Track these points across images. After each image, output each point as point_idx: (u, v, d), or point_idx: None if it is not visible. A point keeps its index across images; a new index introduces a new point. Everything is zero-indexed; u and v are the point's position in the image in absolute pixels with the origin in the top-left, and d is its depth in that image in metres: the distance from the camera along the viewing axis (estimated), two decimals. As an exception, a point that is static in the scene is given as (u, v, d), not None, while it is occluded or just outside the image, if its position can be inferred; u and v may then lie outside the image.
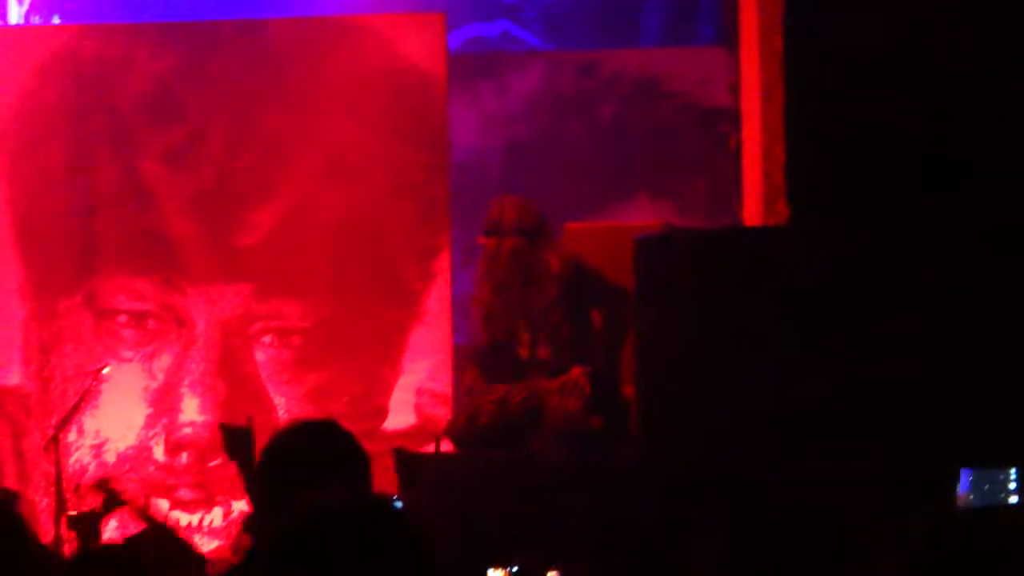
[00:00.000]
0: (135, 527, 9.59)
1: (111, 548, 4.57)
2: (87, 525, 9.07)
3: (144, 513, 9.24)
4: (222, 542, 10.43)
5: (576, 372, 8.19)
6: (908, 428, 6.82)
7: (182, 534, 9.74)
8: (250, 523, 8.47)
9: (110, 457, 10.71)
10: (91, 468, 10.68)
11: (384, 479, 8.15)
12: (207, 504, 10.56)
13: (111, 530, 10.28)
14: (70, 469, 10.47)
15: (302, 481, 4.33)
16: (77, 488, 9.50)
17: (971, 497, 6.57)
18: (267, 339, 10.72)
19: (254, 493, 6.15)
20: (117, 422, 10.72)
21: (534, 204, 8.60)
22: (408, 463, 8.47)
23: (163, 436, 10.70)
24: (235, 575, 4.55)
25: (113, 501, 8.76)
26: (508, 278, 8.26)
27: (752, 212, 8.18)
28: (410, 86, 10.65)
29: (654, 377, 7.61)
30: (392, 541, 2.88)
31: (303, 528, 2.89)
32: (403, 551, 2.88)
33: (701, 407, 7.30)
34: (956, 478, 6.53)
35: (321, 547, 2.85)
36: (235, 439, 6.47)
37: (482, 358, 8.49)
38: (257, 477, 4.54)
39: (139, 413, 10.73)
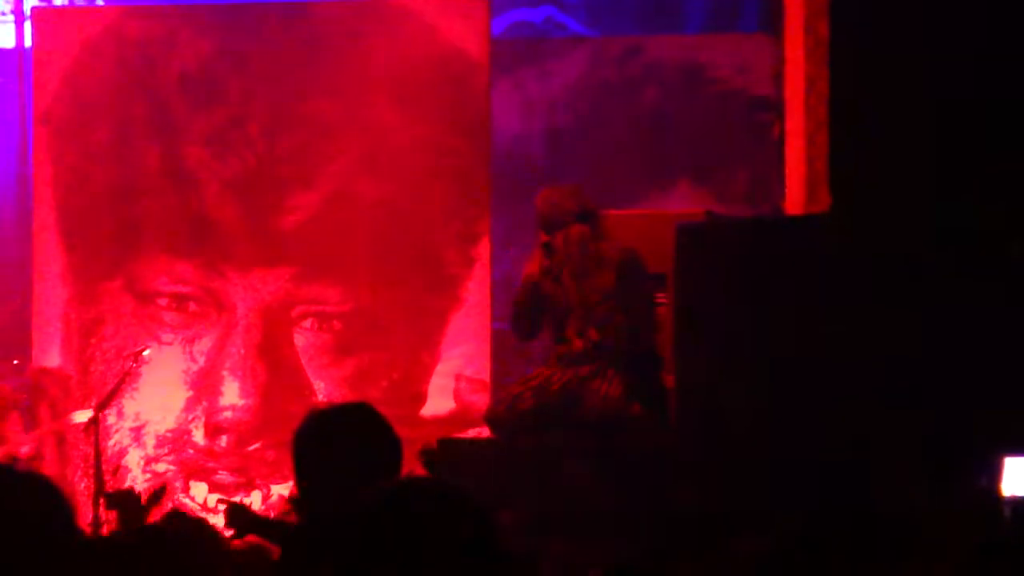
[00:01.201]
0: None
1: (152, 527, 4.58)
2: (126, 504, 9.08)
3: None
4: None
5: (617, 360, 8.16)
6: (953, 416, 6.78)
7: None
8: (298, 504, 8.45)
9: (149, 440, 10.75)
10: (130, 450, 10.72)
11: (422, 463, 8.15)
12: (246, 488, 10.58)
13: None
14: (109, 451, 10.51)
15: (335, 462, 4.36)
16: (117, 470, 9.53)
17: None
18: (307, 323, 10.73)
19: (280, 533, 6.11)
20: (157, 405, 10.75)
21: (582, 187, 8.57)
22: (450, 450, 8.46)
23: (203, 419, 10.72)
24: (290, 558, 4.57)
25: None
26: (580, 264, 8.23)
27: (794, 200, 8.15)
28: (453, 71, 10.62)
29: (693, 365, 7.59)
30: (463, 524, 2.91)
31: (378, 511, 2.92)
32: (473, 535, 2.91)
33: (740, 395, 7.28)
34: (999, 467, 6.48)
35: (395, 530, 2.88)
36: (236, 519, 6.45)
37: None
38: (293, 460, 4.56)
39: (179, 396, 10.75)
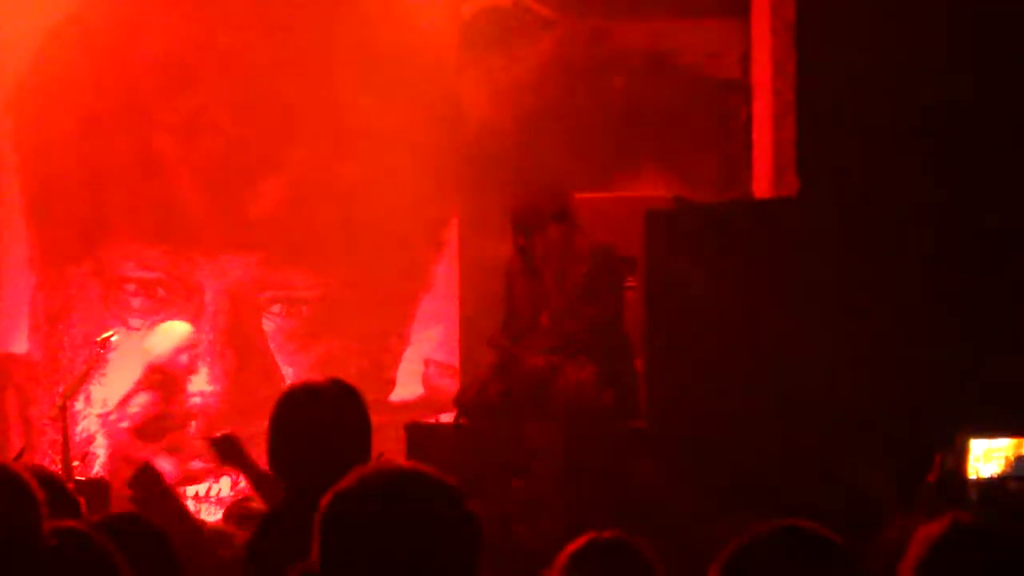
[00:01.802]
0: None
1: (123, 515, 4.58)
2: (94, 491, 9.06)
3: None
4: (228, 512, 10.44)
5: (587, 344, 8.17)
6: (920, 402, 6.80)
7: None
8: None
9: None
10: (98, 437, 10.69)
11: (392, 451, 8.14)
12: (215, 474, 10.55)
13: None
14: (77, 438, 10.47)
15: (312, 438, 4.38)
16: (85, 457, 9.49)
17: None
18: (276, 308, 10.72)
19: (258, 477, 6.14)
20: (124, 391, 10.71)
21: (559, 185, 8.54)
22: (419, 436, 8.46)
23: (172, 406, 10.70)
24: (262, 539, 4.58)
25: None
26: (558, 265, 8.22)
27: (762, 185, 8.16)
28: (422, 55, 10.62)
29: (662, 349, 7.60)
30: (445, 511, 2.93)
31: (357, 495, 2.94)
32: (456, 521, 2.93)
33: (708, 380, 7.29)
34: (965, 449, 6.50)
35: (377, 515, 2.90)
36: (224, 448, 6.56)
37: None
38: (269, 435, 4.58)
39: (148, 382, 10.73)
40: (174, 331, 9.73)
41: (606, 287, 8.24)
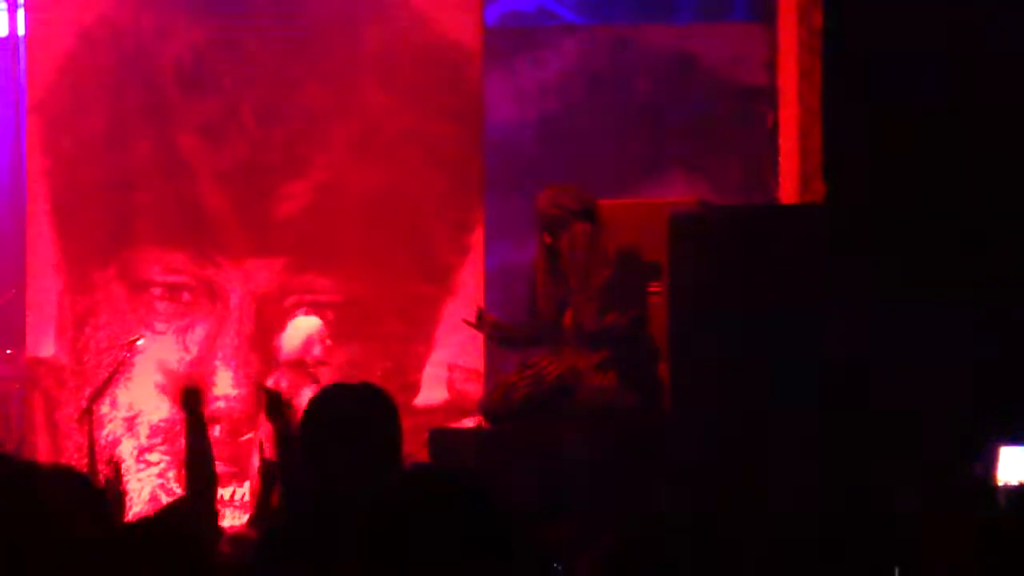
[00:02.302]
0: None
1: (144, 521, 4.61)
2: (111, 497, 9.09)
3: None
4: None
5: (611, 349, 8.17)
6: (950, 408, 6.79)
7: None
8: (268, 472, 8.45)
9: (143, 429, 10.73)
10: (124, 440, 10.71)
11: (416, 454, 8.15)
12: (239, 478, 10.55)
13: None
14: (103, 441, 10.48)
15: (342, 440, 4.39)
16: (109, 460, 9.52)
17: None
18: (300, 312, 10.71)
19: (287, 456, 6.18)
20: (150, 395, 10.73)
21: (584, 187, 8.56)
22: (443, 441, 8.47)
23: (196, 409, 10.69)
24: (271, 541, 4.59)
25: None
26: (584, 264, 8.23)
27: (788, 190, 8.16)
28: (446, 60, 10.62)
29: (686, 355, 7.60)
30: (478, 513, 2.95)
31: (398, 496, 2.96)
32: (489, 523, 2.95)
33: (733, 386, 7.28)
34: (995, 456, 6.49)
35: (414, 515, 2.92)
36: (275, 403, 6.63)
37: (525, 336, 8.48)
38: (300, 436, 4.60)
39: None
40: (305, 324, 9.78)
41: (631, 291, 8.25)
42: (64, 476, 3.40)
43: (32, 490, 3.30)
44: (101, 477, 9.53)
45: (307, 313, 10.56)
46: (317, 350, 9.56)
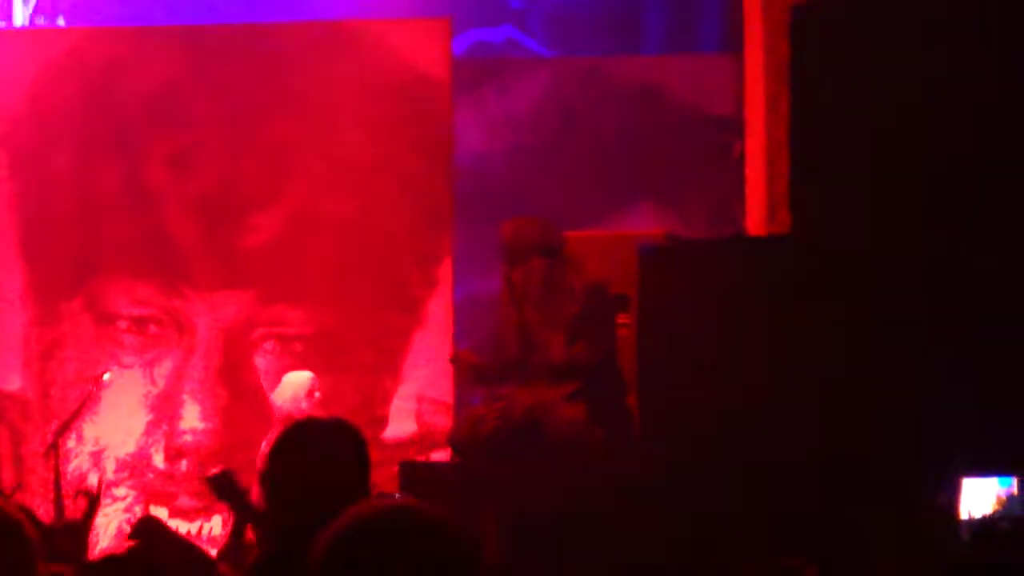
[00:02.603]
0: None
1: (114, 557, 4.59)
2: (71, 535, 9.01)
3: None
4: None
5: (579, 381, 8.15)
6: (913, 441, 6.78)
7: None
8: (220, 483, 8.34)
9: (109, 464, 10.67)
10: (89, 475, 10.65)
11: (385, 488, 8.12)
12: (206, 512, 10.50)
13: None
14: (69, 476, 10.42)
15: (310, 478, 4.37)
16: (76, 495, 9.44)
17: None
18: (268, 345, 10.68)
19: (253, 516, 6.12)
20: (117, 429, 10.67)
21: (550, 221, 8.55)
22: (412, 474, 8.44)
23: (163, 443, 10.65)
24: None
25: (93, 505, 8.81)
26: (539, 299, 8.21)
27: (755, 221, 8.16)
28: (415, 91, 10.62)
29: (655, 386, 7.59)
30: (442, 551, 2.92)
31: (355, 535, 2.93)
32: (453, 560, 2.92)
33: (702, 416, 7.27)
34: (958, 488, 6.48)
35: (374, 555, 2.89)
36: (220, 485, 6.56)
37: (496, 375, 8.45)
38: (266, 475, 4.57)
39: (139, 420, 10.68)
40: (293, 379, 9.72)
41: (599, 324, 8.24)
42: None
43: None
44: (67, 511, 9.48)
45: (273, 347, 10.54)
46: (305, 404, 9.51)
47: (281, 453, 4.49)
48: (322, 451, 4.41)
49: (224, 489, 6.51)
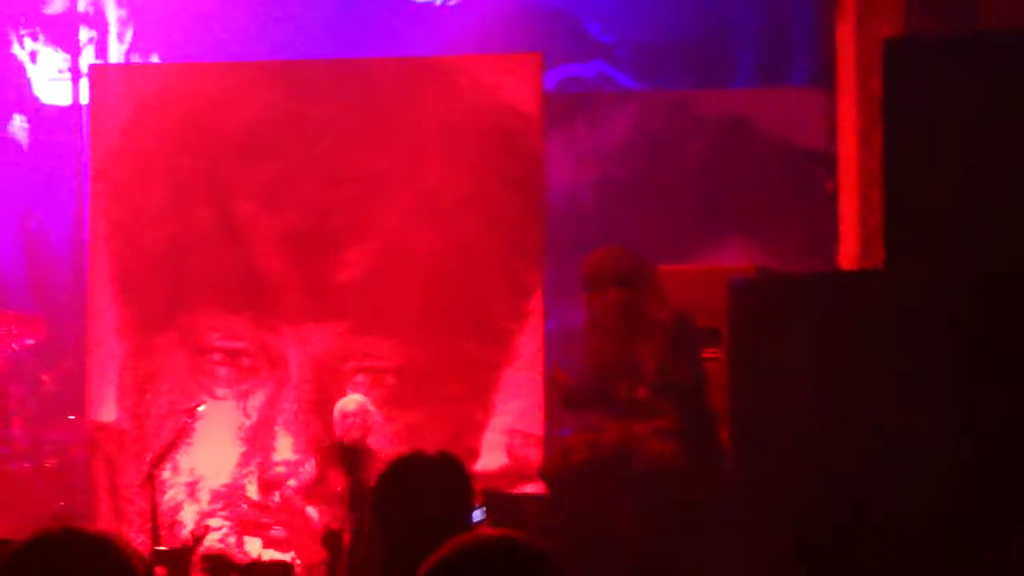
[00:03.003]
0: None
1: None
2: (177, 560, 9.12)
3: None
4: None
5: (672, 415, 8.15)
6: (1008, 477, 6.72)
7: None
8: (330, 540, 8.46)
9: (204, 495, 10.76)
10: (185, 506, 10.74)
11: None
12: (296, 545, 10.57)
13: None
14: (164, 506, 10.52)
15: (412, 509, 4.42)
16: (195, 536, 9.54)
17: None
18: (359, 378, 10.73)
19: (361, 511, 6.21)
20: (211, 460, 10.77)
21: (632, 251, 8.55)
22: (499, 504, 8.46)
23: (256, 474, 10.73)
24: None
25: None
26: (616, 329, 8.22)
27: (848, 256, 8.14)
28: (506, 126, 10.66)
29: (748, 421, 7.57)
30: None
31: (456, 565, 2.97)
32: None
33: (796, 452, 7.24)
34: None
35: None
36: (350, 456, 6.68)
37: (582, 400, 8.47)
38: (374, 502, 4.62)
39: (233, 451, 10.77)
40: (341, 404, 9.90)
41: (686, 356, 8.23)
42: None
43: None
44: (163, 541, 9.56)
45: (364, 379, 10.60)
46: (350, 422, 9.62)
47: (390, 482, 4.54)
48: (430, 482, 4.46)
49: (347, 458, 6.59)
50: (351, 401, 9.89)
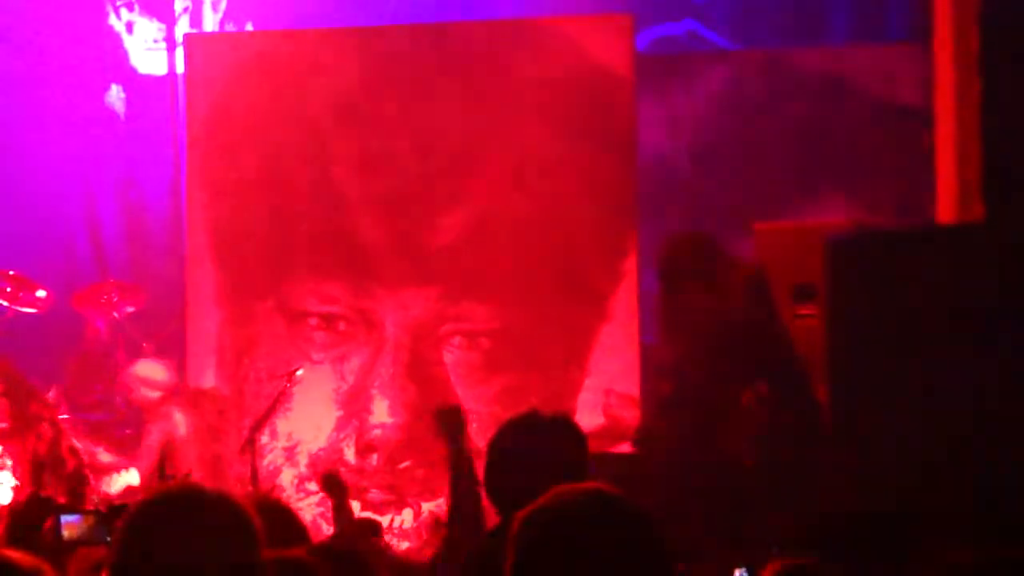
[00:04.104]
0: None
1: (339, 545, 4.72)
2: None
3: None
4: (412, 543, 10.51)
5: (762, 390, 8.11)
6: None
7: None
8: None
9: (302, 459, 10.85)
10: (284, 470, 10.83)
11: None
12: (397, 506, 10.64)
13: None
14: (263, 471, 10.61)
15: (530, 470, 4.43)
16: (272, 489, 9.64)
17: None
18: (456, 341, 10.77)
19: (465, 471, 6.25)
20: (309, 424, 10.85)
21: (706, 238, 8.46)
22: (596, 464, 8.46)
23: (353, 438, 10.80)
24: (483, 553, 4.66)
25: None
26: (698, 330, 8.17)
27: (946, 211, 8.05)
28: (598, 87, 10.64)
29: (844, 378, 7.52)
30: (634, 535, 2.97)
31: (550, 513, 2.99)
32: (649, 545, 2.97)
33: (895, 410, 7.20)
34: None
35: (566, 533, 2.94)
36: (448, 420, 6.69)
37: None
38: (487, 467, 4.63)
39: (330, 415, 10.85)
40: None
41: (769, 320, 8.16)
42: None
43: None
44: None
45: (460, 343, 10.65)
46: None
47: (505, 444, 4.56)
48: (545, 443, 4.47)
49: (450, 425, 6.61)
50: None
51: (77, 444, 10.19)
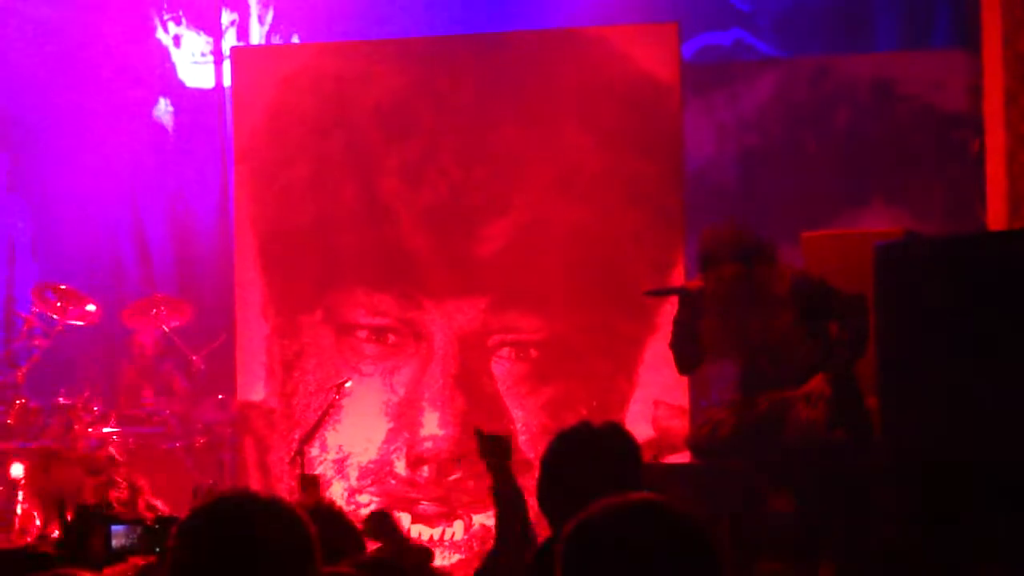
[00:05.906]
0: None
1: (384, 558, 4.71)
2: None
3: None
4: (463, 556, 10.50)
5: (818, 380, 8.06)
6: None
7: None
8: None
9: (353, 471, 10.85)
10: (334, 482, 10.85)
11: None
12: (448, 518, 10.64)
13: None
14: (314, 483, 10.62)
15: (585, 480, 4.42)
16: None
17: None
18: (504, 352, 10.77)
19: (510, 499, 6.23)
20: (359, 436, 10.86)
21: (746, 227, 8.42)
22: (645, 475, 8.42)
23: (404, 450, 10.81)
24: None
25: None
26: (730, 305, 8.12)
27: (996, 217, 8.01)
28: (644, 96, 10.61)
29: (897, 387, 7.47)
30: (686, 542, 2.96)
31: (600, 521, 2.98)
32: (698, 553, 2.95)
33: (945, 417, 7.15)
34: None
35: (616, 540, 2.93)
36: (496, 446, 6.63)
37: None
38: (541, 478, 4.63)
39: (380, 427, 10.86)
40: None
41: (817, 320, 8.12)
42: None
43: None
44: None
45: (508, 353, 10.63)
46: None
47: (560, 455, 4.55)
48: (600, 454, 4.46)
49: (495, 453, 6.56)
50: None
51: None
